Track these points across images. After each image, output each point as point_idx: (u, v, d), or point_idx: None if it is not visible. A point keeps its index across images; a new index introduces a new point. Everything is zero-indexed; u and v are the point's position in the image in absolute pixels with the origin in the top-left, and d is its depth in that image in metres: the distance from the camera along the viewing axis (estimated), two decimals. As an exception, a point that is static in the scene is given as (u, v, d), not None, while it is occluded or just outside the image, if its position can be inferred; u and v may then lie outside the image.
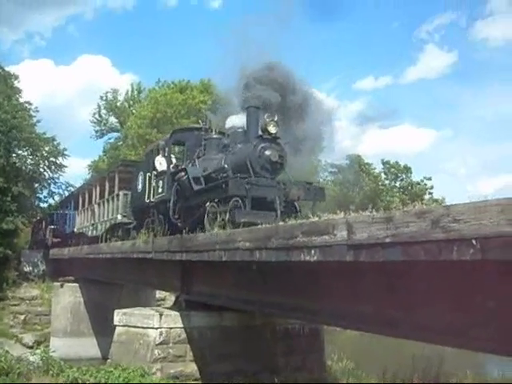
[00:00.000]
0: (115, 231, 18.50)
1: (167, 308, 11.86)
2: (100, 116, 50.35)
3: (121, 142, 45.78)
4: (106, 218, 20.20)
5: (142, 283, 15.48)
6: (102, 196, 21.72)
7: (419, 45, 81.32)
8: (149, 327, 10.48)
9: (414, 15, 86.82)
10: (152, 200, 13.69)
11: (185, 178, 11.70)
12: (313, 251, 5.73)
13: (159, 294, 21.62)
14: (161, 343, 10.29)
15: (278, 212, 9.37)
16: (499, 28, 79.99)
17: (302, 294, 7.42)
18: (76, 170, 70.27)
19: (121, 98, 49.72)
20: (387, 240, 4.71)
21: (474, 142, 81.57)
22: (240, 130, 11.37)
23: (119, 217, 18.27)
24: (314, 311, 7.31)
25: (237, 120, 11.77)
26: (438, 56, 79.89)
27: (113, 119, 50.33)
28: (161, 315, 10.50)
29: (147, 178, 14.09)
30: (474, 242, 4.01)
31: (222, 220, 9.68)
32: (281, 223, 6.87)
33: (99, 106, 50.06)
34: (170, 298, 18.29)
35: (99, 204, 21.72)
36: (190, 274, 11.14)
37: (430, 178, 44.47)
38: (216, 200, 10.32)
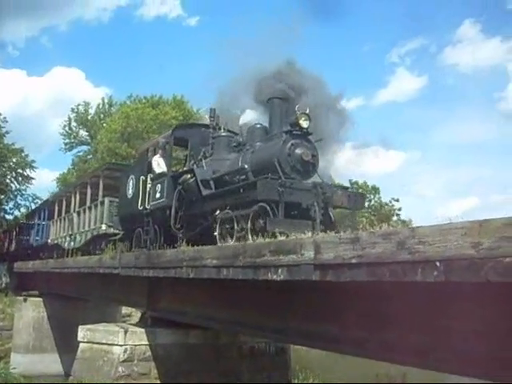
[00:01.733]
0: (97, 243, 16.99)
1: (133, 324, 11.72)
2: (70, 128, 49.92)
3: (90, 156, 45.41)
4: (86, 228, 18.63)
5: (107, 299, 15.25)
6: (82, 204, 20.07)
7: (391, 68, 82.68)
8: (113, 344, 10.34)
9: (386, 39, 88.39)
10: (147, 207, 12.05)
11: (191, 181, 10.21)
12: (280, 270, 5.73)
13: (125, 309, 21.34)
14: (125, 360, 10.16)
15: (318, 221, 8.04)
16: (468, 54, 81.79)
17: (268, 313, 7.42)
18: (44, 182, 69.40)
19: (92, 111, 49.46)
20: (353, 260, 4.74)
21: (442, 165, 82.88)
22: (259, 125, 10.16)
23: (103, 226, 16.77)
24: (280, 330, 7.29)
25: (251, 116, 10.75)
26: (408, 79, 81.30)
27: (83, 132, 49.96)
28: (126, 332, 10.37)
29: (141, 182, 12.42)
30: (438, 263, 4.06)
31: (242, 230, 8.51)
32: (249, 241, 6.84)
33: (70, 119, 49.69)
34: (136, 314, 18.08)
35: (79, 212, 20.07)
36: (156, 291, 11.04)
37: (397, 200, 45.15)
38: (228, 207, 9.11)
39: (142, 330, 10.60)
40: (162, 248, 10.48)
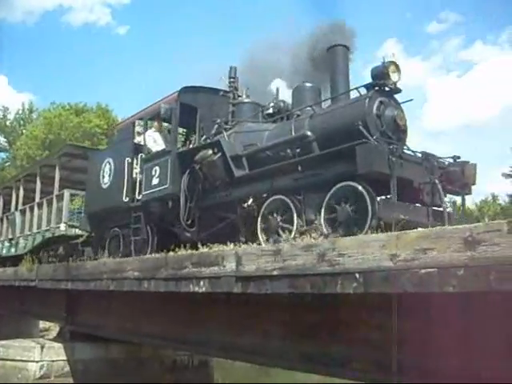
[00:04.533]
0: (53, 248, 13.87)
1: (50, 339, 11.28)
2: (-14, 134, 47.78)
3: (8, 163, 43.71)
4: (35, 230, 15.02)
5: (24, 313, 14.59)
6: (28, 200, 16.62)
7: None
8: (29, 360, 9.87)
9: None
10: (137, 198, 9.13)
11: (215, 158, 7.53)
12: (202, 282, 5.68)
13: (43, 324, 20.50)
14: (41, 377, 9.73)
15: (445, 206, 6.15)
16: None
17: (190, 326, 7.33)
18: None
19: (11, 116, 47.56)
20: (275, 272, 4.76)
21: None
22: (309, 85, 7.75)
23: (62, 226, 13.34)
24: (203, 343, 7.22)
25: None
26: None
27: (1, 138, 47.92)
28: (42, 347, 9.94)
29: (125, 166, 9.45)
30: (357, 275, 4.13)
31: (308, 223, 6.23)
32: (171, 253, 6.69)
33: (-15, 124, 47.53)
34: (55, 329, 17.44)
35: (23, 211, 16.37)
36: (76, 304, 10.69)
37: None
38: (263, 195, 7.08)
39: (60, 344, 10.20)
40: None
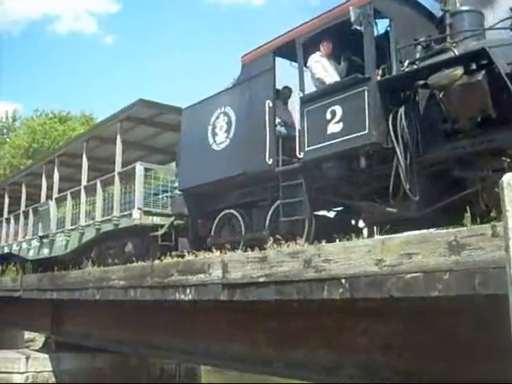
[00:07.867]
0: (112, 246, 11.05)
1: (35, 350, 11.17)
2: (-31, 143, 47.28)
3: (-9, 172, 43.27)
4: (83, 223, 11.75)
5: (8, 324, 14.45)
6: (68, 184, 13.45)
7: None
8: (14, 372, 9.79)
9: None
10: (300, 156, 6.36)
11: (480, 77, 4.79)
12: (188, 290, 5.66)
13: (28, 334, 20.28)
14: (26, 388, 9.65)
15: None
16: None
17: (176, 334, 7.30)
18: None
19: (-6, 125, 47.10)
20: (261, 279, 4.75)
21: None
22: None
23: (136, 214, 10.03)
24: (189, 351, 7.17)
25: None
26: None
27: (-17, 147, 47.45)
28: (27, 358, 9.87)
29: (267, 112, 6.78)
30: (343, 281, 4.13)
31: None
32: (156, 261, 6.68)
33: (-32, 132, 47.07)
34: (40, 339, 17.26)
35: (61, 199, 12.98)
36: (61, 314, 10.61)
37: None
38: None
39: (46, 355, 10.11)
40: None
